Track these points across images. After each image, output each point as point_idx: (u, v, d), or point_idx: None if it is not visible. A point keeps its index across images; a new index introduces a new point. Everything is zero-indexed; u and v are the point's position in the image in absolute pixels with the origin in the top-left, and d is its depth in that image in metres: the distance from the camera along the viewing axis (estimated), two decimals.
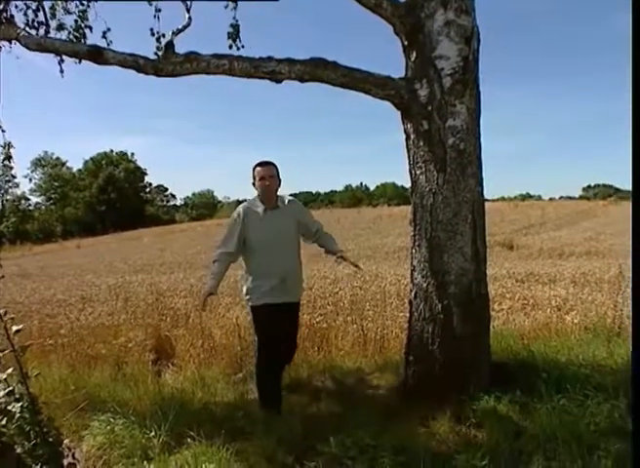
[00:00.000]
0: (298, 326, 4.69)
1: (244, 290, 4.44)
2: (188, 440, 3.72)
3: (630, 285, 1.66)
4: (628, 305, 6.70)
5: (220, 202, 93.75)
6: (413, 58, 4.26)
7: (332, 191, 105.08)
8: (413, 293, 4.41)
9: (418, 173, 4.27)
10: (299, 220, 4.45)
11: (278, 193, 4.43)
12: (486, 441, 3.59)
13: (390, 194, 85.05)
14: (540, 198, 73.61)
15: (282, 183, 4.44)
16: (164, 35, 5.81)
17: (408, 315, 4.52)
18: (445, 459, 3.30)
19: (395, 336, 5.79)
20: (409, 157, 4.36)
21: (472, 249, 4.22)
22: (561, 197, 74.61)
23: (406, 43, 4.33)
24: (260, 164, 4.36)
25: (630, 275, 1.65)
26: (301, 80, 4.29)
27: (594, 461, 3.20)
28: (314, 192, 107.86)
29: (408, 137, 4.34)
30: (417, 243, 4.37)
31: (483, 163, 4.35)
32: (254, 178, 4.35)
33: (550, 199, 67.71)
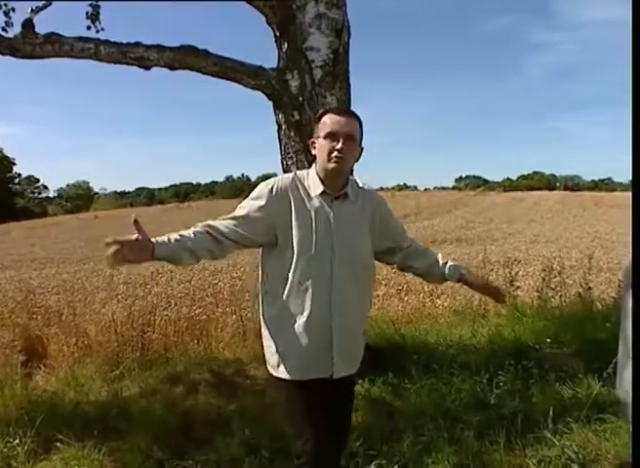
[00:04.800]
0: (351, 414, 2.64)
1: (265, 344, 2.37)
2: (57, 444, 3.55)
3: (631, 284, 1.78)
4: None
5: (96, 193, 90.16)
6: (284, 49, 4.29)
7: (213, 182, 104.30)
8: None
9: (289, 163, 4.31)
10: (381, 225, 2.39)
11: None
12: (360, 423, 3.70)
13: None
14: (415, 188, 77.21)
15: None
16: (13, 9, 5.04)
17: None
18: None
19: None
20: (280, 148, 4.39)
21: None
22: (435, 187, 78.66)
23: (278, 34, 4.36)
24: (334, 110, 2.34)
25: (631, 273, 1.77)
26: (171, 68, 4.19)
27: (458, 432, 3.43)
28: (195, 183, 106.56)
29: (279, 128, 4.37)
30: None
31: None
32: (311, 134, 2.36)
33: (425, 189, 70.97)
